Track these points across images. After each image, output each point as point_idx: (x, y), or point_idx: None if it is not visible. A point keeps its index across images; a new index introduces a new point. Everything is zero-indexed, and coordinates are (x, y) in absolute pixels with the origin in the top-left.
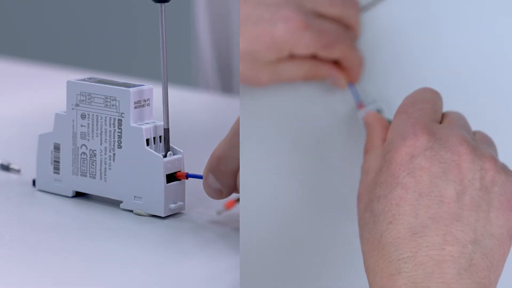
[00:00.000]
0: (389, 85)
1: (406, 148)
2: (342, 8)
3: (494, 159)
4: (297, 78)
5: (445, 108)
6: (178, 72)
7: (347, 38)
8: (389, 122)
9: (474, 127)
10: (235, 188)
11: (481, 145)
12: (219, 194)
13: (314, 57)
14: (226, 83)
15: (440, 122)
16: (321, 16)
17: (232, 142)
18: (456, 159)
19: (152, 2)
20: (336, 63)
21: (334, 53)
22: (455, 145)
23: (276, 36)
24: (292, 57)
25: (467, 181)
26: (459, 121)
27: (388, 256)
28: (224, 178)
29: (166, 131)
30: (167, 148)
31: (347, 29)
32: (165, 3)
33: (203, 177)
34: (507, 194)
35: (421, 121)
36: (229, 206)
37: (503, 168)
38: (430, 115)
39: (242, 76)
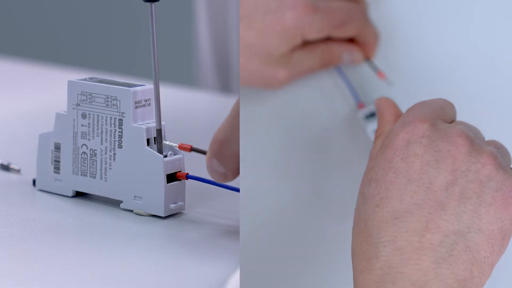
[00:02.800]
0: (389, 85)
1: (404, 134)
2: None
3: (495, 156)
4: (314, 66)
5: None
6: (178, 71)
7: (359, 14)
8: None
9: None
10: (238, 171)
11: (484, 144)
12: (224, 177)
13: (326, 41)
14: (225, 82)
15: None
16: None
17: (233, 124)
18: (452, 149)
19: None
20: (350, 40)
21: (348, 31)
22: (453, 136)
23: (286, 24)
24: (305, 44)
25: (460, 172)
26: (469, 125)
27: (370, 239)
28: (228, 161)
29: (159, 132)
30: (160, 149)
31: (356, 2)
32: (155, 3)
33: (207, 162)
34: (503, 192)
35: (425, 112)
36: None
37: (503, 167)
38: (437, 113)
39: (255, 77)
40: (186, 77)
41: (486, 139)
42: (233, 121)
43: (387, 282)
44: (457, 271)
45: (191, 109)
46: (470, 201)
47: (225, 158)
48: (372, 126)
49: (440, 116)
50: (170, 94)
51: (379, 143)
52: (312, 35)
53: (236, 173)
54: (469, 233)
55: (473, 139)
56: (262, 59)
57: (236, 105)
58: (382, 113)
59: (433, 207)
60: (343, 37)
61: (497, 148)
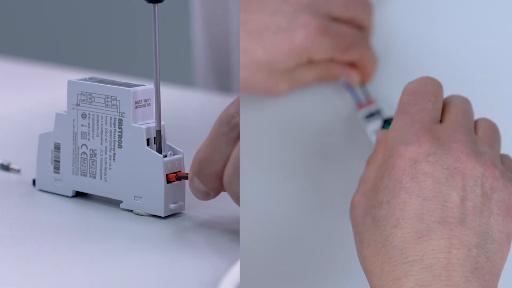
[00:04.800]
0: (389, 85)
1: (409, 154)
2: (356, 10)
3: (493, 164)
4: (313, 81)
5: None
6: (178, 71)
7: (362, 40)
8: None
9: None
10: (221, 189)
11: (483, 149)
12: (206, 196)
13: (328, 60)
14: (224, 83)
15: (442, 118)
16: (335, 19)
17: (213, 145)
18: (458, 166)
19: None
20: (350, 63)
21: (351, 56)
22: (457, 151)
23: (296, 43)
24: (309, 62)
25: (469, 187)
26: (460, 115)
27: (394, 260)
28: (209, 181)
29: (158, 133)
30: (160, 150)
31: (361, 30)
32: (158, 4)
33: (189, 182)
34: (505, 201)
35: (423, 124)
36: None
37: (501, 173)
38: (431, 115)
39: (257, 87)
40: (187, 77)
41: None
42: (213, 142)
43: None
44: (484, 283)
45: (192, 110)
46: (483, 214)
47: (206, 177)
48: (372, 126)
49: (435, 116)
50: (172, 94)
51: (373, 170)
52: (318, 56)
53: (217, 192)
54: (486, 244)
55: (474, 150)
56: (266, 72)
57: (215, 126)
58: (380, 144)
59: (453, 223)
60: (346, 61)
61: (489, 139)
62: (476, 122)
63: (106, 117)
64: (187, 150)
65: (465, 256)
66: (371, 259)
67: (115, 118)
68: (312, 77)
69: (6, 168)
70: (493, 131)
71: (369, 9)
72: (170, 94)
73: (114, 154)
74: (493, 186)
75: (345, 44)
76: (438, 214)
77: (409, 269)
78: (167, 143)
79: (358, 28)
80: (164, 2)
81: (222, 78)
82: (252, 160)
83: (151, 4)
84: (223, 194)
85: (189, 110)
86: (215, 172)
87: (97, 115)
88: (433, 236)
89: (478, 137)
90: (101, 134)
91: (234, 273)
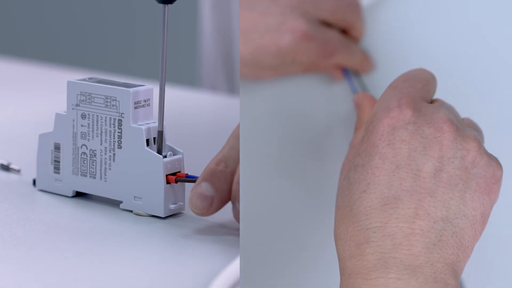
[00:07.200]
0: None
1: (389, 120)
2: (344, 15)
3: (478, 141)
4: (297, 73)
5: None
6: (179, 71)
7: (345, 47)
8: None
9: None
10: (228, 196)
11: (466, 128)
12: (210, 202)
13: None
14: (230, 83)
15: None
16: (323, 23)
17: (233, 145)
18: (438, 136)
19: (154, 2)
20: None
21: (333, 61)
22: (439, 122)
23: (282, 46)
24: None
25: (447, 159)
26: (447, 105)
27: (358, 225)
28: (221, 180)
29: (160, 133)
30: (160, 150)
31: (349, 34)
32: (169, 4)
33: (194, 187)
34: (486, 178)
35: (408, 96)
36: None
37: (486, 152)
38: (420, 93)
39: (242, 74)
40: (187, 77)
41: (486, 139)
42: (233, 141)
43: (380, 266)
44: (446, 255)
45: (192, 110)
46: (457, 187)
47: (220, 176)
48: None
49: (423, 95)
50: (172, 94)
51: (359, 134)
52: (302, 60)
53: (223, 196)
54: (455, 219)
55: (458, 125)
56: (250, 66)
57: (237, 127)
58: (361, 107)
59: (422, 194)
60: (328, 65)
61: (476, 130)
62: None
63: (106, 117)
64: (187, 150)
65: (429, 228)
66: (339, 222)
67: (114, 119)
68: (296, 71)
69: (6, 168)
70: (476, 125)
71: (358, 13)
72: (171, 94)
73: (114, 154)
74: (475, 161)
75: (328, 50)
76: (409, 183)
77: (371, 235)
78: (167, 143)
79: (347, 31)
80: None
81: (230, 78)
82: (252, 160)
83: (151, 4)
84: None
85: (189, 110)
86: (230, 172)
87: (97, 115)
88: (399, 204)
89: (464, 124)
90: (101, 135)
91: (232, 272)
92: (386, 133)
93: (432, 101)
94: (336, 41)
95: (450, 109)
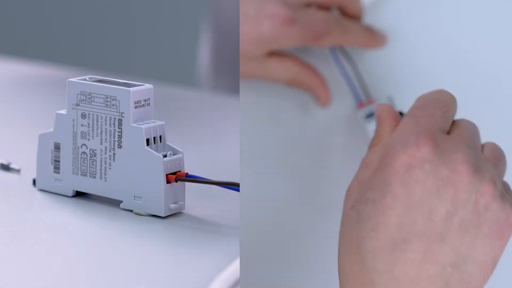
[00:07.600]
0: (390, 84)
1: (405, 157)
2: None
3: (494, 184)
4: (282, 81)
5: None
6: (179, 71)
7: (339, 26)
8: (401, 115)
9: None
10: None
11: (485, 166)
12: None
13: (304, 65)
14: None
15: (449, 131)
16: (309, 5)
17: None
18: (453, 178)
19: (154, 1)
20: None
21: (324, 43)
22: (456, 162)
23: (262, 33)
24: (280, 56)
25: (460, 202)
26: (468, 133)
27: (363, 265)
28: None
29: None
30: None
31: (346, 13)
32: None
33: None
34: (499, 222)
35: (427, 129)
36: None
37: (501, 194)
38: (439, 123)
39: (241, 73)
40: (187, 77)
41: (486, 139)
42: None
43: None
44: None
45: (192, 110)
46: (468, 233)
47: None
48: (372, 126)
49: (442, 125)
50: (173, 94)
51: (375, 154)
52: (288, 45)
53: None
54: (464, 265)
55: (476, 165)
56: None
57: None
58: (383, 122)
59: (432, 238)
60: (321, 48)
61: (494, 161)
62: (483, 144)
63: (106, 117)
64: (187, 150)
65: (436, 273)
66: (344, 256)
67: (114, 118)
68: (282, 76)
69: (6, 168)
70: (499, 153)
71: None
72: (171, 94)
73: (114, 154)
74: (489, 205)
75: (316, 33)
76: (419, 226)
77: (377, 278)
78: (167, 143)
79: (343, 10)
80: (167, 2)
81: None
82: (253, 160)
83: (151, 4)
84: (223, 195)
85: (189, 110)
86: None
87: (97, 115)
88: (408, 248)
89: (483, 155)
90: (101, 134)
91: (232, 272)
92: (401, 171)
93: (452, 125)
94: (324, 22)
95: (469, 139)
